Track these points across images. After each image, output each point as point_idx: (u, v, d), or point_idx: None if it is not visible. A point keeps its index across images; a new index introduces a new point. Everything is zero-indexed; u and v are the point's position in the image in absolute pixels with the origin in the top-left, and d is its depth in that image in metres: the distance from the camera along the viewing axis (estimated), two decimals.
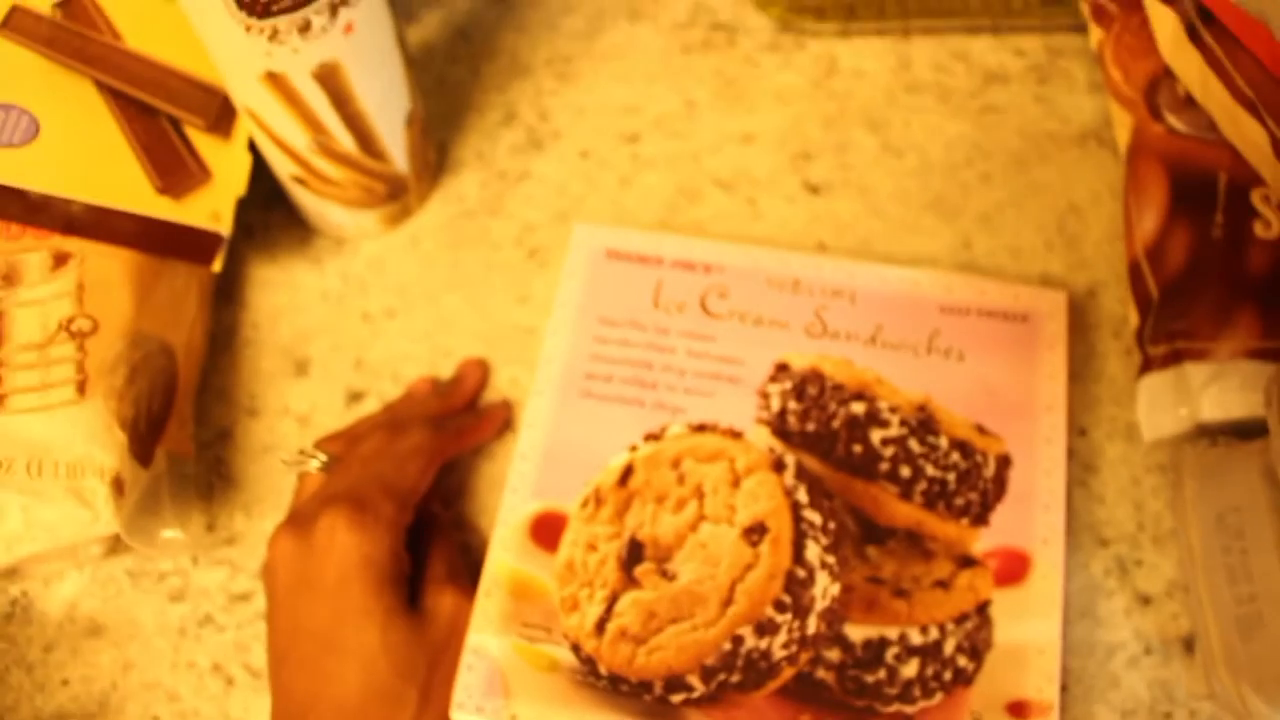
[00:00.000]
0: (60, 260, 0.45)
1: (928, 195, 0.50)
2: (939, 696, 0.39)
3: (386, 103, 0.44)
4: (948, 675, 0.39)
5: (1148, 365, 0.45)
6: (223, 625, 0.45)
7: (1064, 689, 0.42)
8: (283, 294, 0.49)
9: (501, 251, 0.49)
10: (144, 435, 0.44)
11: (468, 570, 0.43)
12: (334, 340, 0.48)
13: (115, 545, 0.46)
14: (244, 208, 0.47)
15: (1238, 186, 0.45)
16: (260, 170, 0.47)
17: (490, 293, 0.49)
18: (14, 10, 0.46)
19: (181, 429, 0.46)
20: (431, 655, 0.39)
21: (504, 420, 0.46)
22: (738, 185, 0.50)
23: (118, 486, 0.42)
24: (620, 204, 0.50)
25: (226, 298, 0.50)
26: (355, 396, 0.47)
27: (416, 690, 0.39)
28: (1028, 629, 0.40)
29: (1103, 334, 0.48)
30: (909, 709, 0.39)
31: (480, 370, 0.47)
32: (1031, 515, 0.41)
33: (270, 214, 0.50)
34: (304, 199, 0.48)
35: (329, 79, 0.41)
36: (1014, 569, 0.40)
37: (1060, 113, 0.51)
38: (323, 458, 0.42)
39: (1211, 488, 0.42)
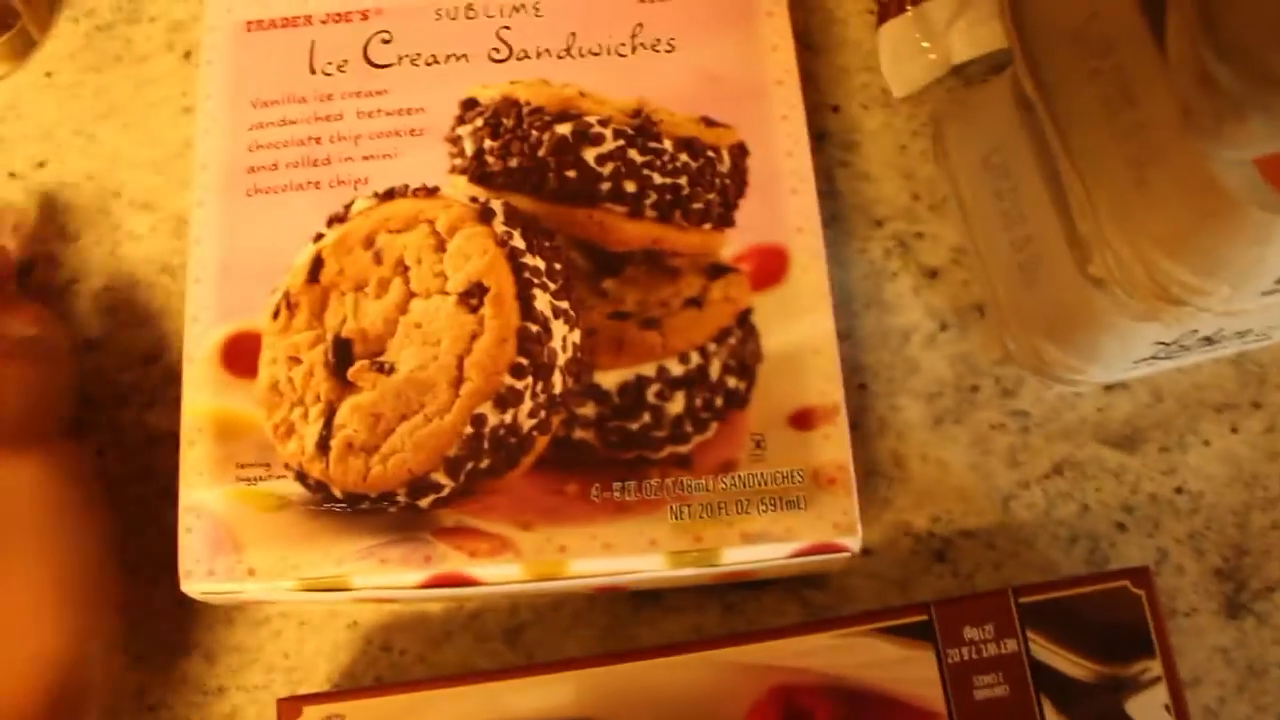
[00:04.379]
0: None
1: None
2: (714, 427, 0.34)
3: None
4: (719, 402, 0.34)
5: (886, 11, 0.39)
6: None
7: (862, 387, 0.38)
8: None
9: (152, 63, 0.42)
10: None
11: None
12: None
13: None
14: None
15: None
16: None
17: (150, 112, 0.42)
18: None
19: None
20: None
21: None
22: None
23: None
24: None
25: None
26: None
27: None
28: (798, 330, 0.35)
29: None
30: (683, 448, 0.34)
31: None
32: (780, 203, 0.36)
33: None
34: None
35: None
36: (771, 267, 0.35)
37: None
38: None
39: (971, 130, 0.37)
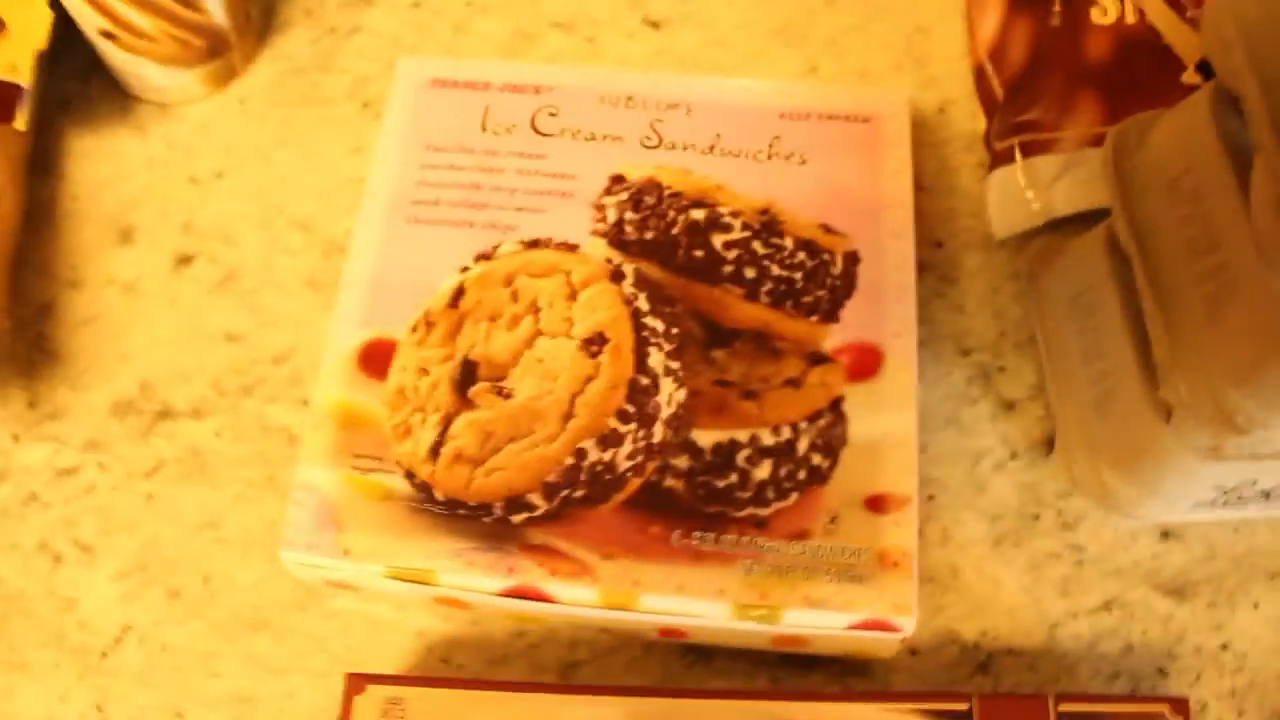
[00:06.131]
0: None
1: (772, 22, 0.48)
2: (794, 497, 0.37)
3: None
4: (802, 475, 0.37)
5: (996, 162, 0.43)
6: (48, 502, 0.42)
7: (931, 498, 0.41)
8: (104, 164, 0.47)
9: (334, 106, 0.47)
10: None
11: None
12: (160, 206, 0.46)
13: None
14: (60, 79, 0.44)
15: None
16: (75, 39, 0.45)
17: (323, 147, 0.46)
18: None
19: None
20: None
21: None
22: (576, 25, 0.48)
23: None
24: (456, 51, 0.48)
25: (43, 170, 0.47)
26: (184, 260, 0.45)
27: None
28: (883, 422, 0.38)
29: (954, 149, 0.46)
30: (763, 511, 0.37)
31: None
32: (882, 309, 0.39)
33: (88, 84, 0.48)
34: (117, 58, 0.45)
35: None
36: (867, 363, 0.39)
37: None
38: None
39: (1064, 273, 0.41)
